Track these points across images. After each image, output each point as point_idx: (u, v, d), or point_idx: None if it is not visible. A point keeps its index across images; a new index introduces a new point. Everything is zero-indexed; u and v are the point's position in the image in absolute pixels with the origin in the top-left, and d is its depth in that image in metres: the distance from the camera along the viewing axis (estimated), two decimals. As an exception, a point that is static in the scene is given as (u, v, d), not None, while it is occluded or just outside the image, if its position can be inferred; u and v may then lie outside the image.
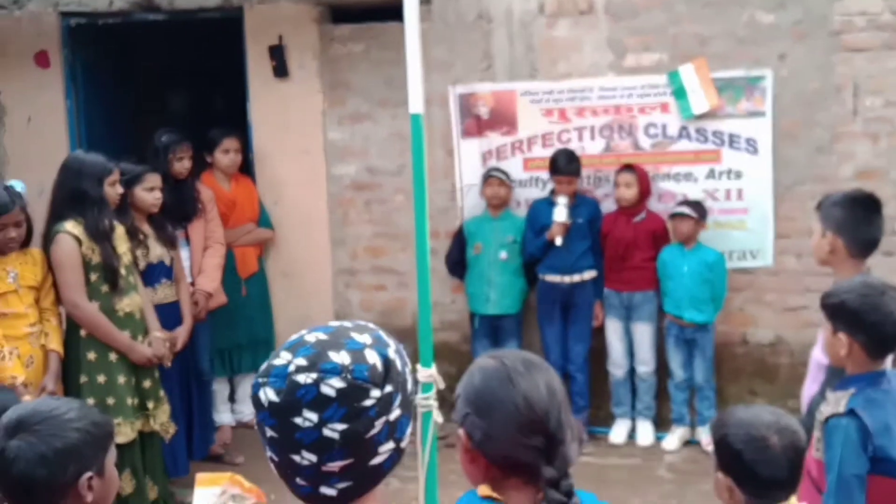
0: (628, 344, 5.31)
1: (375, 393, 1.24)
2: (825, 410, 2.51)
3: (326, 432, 1.21)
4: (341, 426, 1.21)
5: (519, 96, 5.41)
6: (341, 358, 1.23)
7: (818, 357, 2.97)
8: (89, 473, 1.88)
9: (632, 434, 5.36)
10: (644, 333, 5.24)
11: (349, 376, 1.22)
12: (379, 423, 1.25)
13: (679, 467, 5.00)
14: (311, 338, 1.28)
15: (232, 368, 5.55)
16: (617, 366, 5.34)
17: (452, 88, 5.47)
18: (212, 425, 5.33)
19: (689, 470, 4.95)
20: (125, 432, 4.00)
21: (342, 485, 1.25)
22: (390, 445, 1.28)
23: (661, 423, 5.37)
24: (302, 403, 1.21)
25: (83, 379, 4.09)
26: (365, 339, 1.28)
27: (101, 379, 4.10)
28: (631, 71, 5.28)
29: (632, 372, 5.35)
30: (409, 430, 1.32)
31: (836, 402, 2.48)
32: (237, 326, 5.47)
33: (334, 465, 1.23)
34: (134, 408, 4.18)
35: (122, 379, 4.14)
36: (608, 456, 5.15)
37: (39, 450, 1.83)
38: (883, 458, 2.40)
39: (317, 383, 1.21)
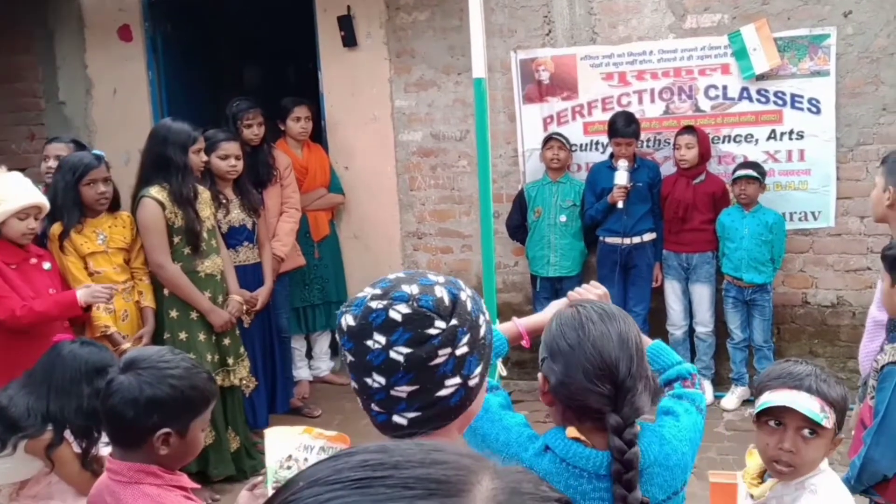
0: (687, 304, 5.35)
1: (440, 324, 1.30)
2: (881, 359, 2.56)
3: (392, 354, 1.28)
4: (406, 349, 1.28)
5: (579, 61, 5.42)
6: (411, 289, 1.32)
7: (875, 314, 2.98)
8: (167, 429, 1.92)
9: (691, 392, 5.44)
10: (702, 294, 5.27)
11: (415, 304, 1.30)
12: (443, 354, 1.29)
13: (738, 425, 5.05)
14: (391, 276, 1.37)
15: (307, 327, 5.77)
16: (676, 326, 5.39)
17: (514, 54, 5.53)
18: (291, 380, 5.55)
19: (747, 428, 4.93)
20: (206, 387, 4.26)
21: (411, 414, 1.31)
22: (457, 380, 1.31)
23: (720, 383, 5.42)
24: (373, 327, 1.29)
25: (166, 335, 4.32)
26: (439, 278, 1.36)
27: (182, 336, 4.33)
28: (691, 33, 5.25)
29: (690, 332, 5.41)
30: (478, 370, 1.35)
31: (893, 351, 2.52)
32: (311, 287, 5.68)
33: (402, 390, 1.29)
34: (214, 363, 4.39)
35: (202, 336, 4.37)
36: (667, 413, 5.23)
37: (133, 392, 1.92)
38: None
39: (386, 308, 1.29)
